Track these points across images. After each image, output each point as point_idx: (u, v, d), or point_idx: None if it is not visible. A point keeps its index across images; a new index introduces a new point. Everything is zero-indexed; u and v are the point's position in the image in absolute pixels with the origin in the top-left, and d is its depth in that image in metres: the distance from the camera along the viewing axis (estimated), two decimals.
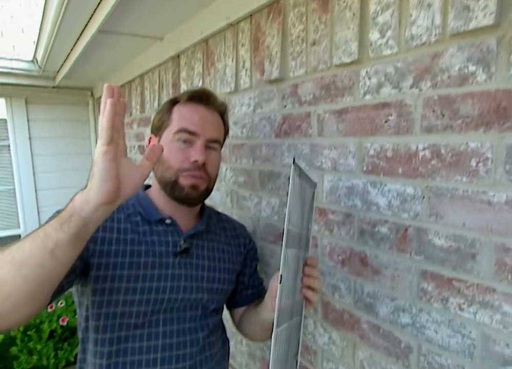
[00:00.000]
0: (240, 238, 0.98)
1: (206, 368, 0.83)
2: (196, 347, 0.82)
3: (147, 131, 1.94)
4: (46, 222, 0.56)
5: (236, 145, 1.19)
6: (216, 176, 0.87)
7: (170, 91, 1.62)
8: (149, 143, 0.89)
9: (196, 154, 0.78)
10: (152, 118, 1.81)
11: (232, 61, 1.16)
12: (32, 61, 2.30)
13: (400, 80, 0.67)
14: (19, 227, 2.83)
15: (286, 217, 0.59)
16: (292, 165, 0.58)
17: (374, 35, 0.71)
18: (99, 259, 0.74)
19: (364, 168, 0.77)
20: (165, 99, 1.67)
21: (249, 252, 0.99)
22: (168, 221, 0.82)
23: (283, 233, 0.59)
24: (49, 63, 2.07)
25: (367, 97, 0.74)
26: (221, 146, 0.89)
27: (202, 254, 0.86)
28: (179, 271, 0.80)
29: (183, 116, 0.81)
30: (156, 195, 0.85)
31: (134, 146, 2.17)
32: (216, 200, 1.33)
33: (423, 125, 0.64)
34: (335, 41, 0.79)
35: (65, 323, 2.62)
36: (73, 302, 2.81)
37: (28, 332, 2.51)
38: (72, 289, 0.80)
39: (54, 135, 2.89)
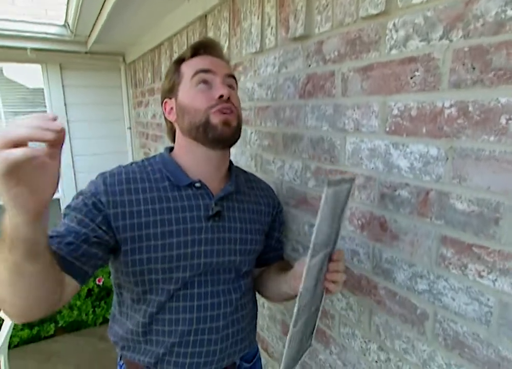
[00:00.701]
0: (269, 198, 0.99)
1: (238, 327, 0.88)
2: (230, 308, 0.86)
3: None
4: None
5: (261, 108, 1.19)
6: (241, 116, 0.88)
7: None
8: (165, 109, 0.89)
9: (219, 89, 0.80)
10: None
11: (258, 18, 1.13)
12: (64, 25, 2.37)
13: (429, 31, 0.64)
14: (58, 191, 3.04)
15: (314, 234, 0.60)
16: (326, 188, 0.57)
17: None
18: (130, 232, 0.76)
19: (387, 129, 0.75)
20: None
21: (277, 215, 1.01)
22: (197, 185, 0.83)
23: (309, 247, 0.61)
24: (80, 27, 2.13)
25: (394, 51, 0.71)
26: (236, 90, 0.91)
27: (233, 216, 0.88)
28: (212, 235, 0.82)
29: (192, 65, 0.84)
30: (183, 156, 0.86)
31: None
32: (241, 163, 1.35)
33: (451, 80, 0.61)
34: None
35: (101, 283, 2.85)
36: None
37: None
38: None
39: (88, 101, 3.01)
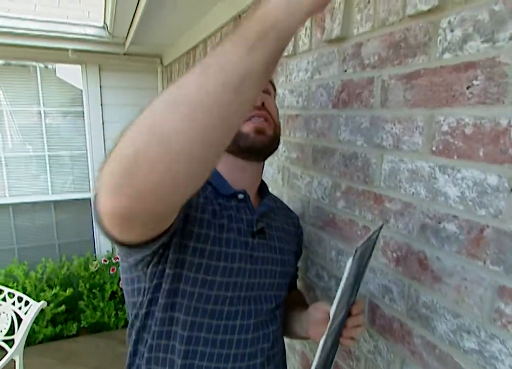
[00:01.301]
0: (294, 219, 0.93)
1: (273, 364, 0.79)
2: (268, 343, 0.76)
3: None
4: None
5: (291, 116, 1.10)
6: (279, 125, 0.80)
7: None
8: None
9: None
10: None
11: None
12: (103, 27, 2.41)
13: (496, 29, 0.52)
14: (89, 191, 3.10)
15: (334, 305, 0.53)
16: (351, 259, 0.50)
17: None
18: (186, 225, 0.66)
19: (433, 148, 0.63)
20: None
21: (300, 237, 0.94)
22: (240, 196, 0.75)
23: (328, 317, 0.54)
24: (117, 28, 2.15)
25: (446, 55, 0.60)
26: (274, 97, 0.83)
27: (272, 235, 0.80)
28: (257, 254, 0.75)
29: None
30: (220, 164, 0.77)
31: None
32: (268, 176, 1.27)
33: None
34: None
35: None
36: None
37: (93, 290, 2.79)
38: (132, 274, 0.70)
39: (123, 102, 3.06)
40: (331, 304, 0.60)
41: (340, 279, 0.54)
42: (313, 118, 0.98)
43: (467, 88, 0.56)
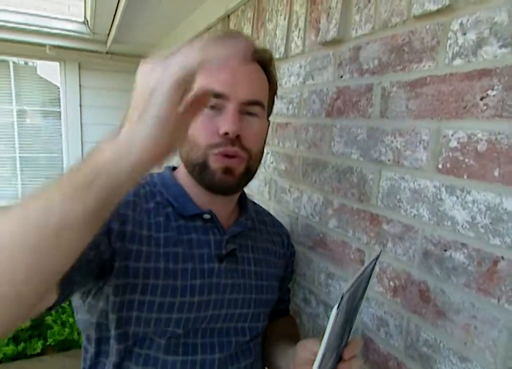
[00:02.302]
0: (283, 237, 0.84)
1: None
2: None
3: None
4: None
5: (280, 125, 1.04)
6: (261, 151, 0.71)
7: None
8: None
9: (226, 122, 0.61)
10: None
11: (284, 19, 0.99)
12: (84, 22, 2.33)
13: None
14: None
15: (318, 360, 0.46)
16: (335, 308, 0.43)
17: None
18: (126, 261, 0.60)
19: (440, 166, 0.57)
20: None
21: (291, 258, 0.86)
22: (206, 216, 0.68)
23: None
24: (98, 24, 2.08)
25: (457, 61, 0.54)
26: (269, 111, 0.72)
27: (248, 257, 0.72)
28: (225, 281, 0.67)
29: (209, 72, 0.61)
30: (187, 181, 0.70)
31: None
32: (253, 188, 1.20)
33: None
34: None
35: None
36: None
37: (62, 305, 2.65)
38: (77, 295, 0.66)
39: (104, 104, 2.97)
40: (320, 340, 0.54)
41: (329, 306, 0.47)
42: (304, 127, 0.92)
43: (481, 99, 0.51)
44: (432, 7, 0.57)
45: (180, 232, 0.66)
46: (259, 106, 0.66)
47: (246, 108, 0.64)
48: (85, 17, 2.28)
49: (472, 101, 0.52)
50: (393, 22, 0.65)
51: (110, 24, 2.05)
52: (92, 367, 0.66)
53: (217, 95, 0.62)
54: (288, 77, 1.00)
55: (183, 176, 0.71)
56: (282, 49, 1.00)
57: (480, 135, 0.51)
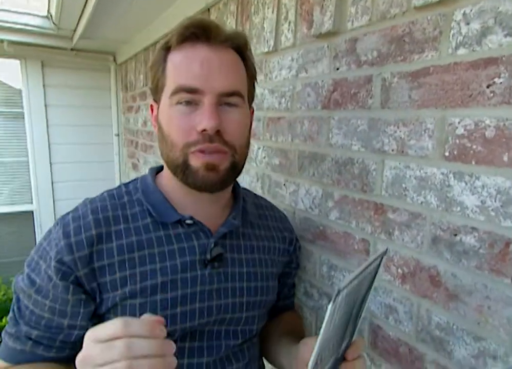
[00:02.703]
0: (286, 232, 0.82)
1: None
2: None
3: None
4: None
5: (271, 119, 1.04)
6: (247, 143, 0.68)
7: None
8: (151, 112, 0.71)
9: (203, 118, 0.58)
10: None
11: (273, 12, 0.99)
12: (47, 16, 2.23)
13: None
14: (32, 203, 2.86)
15: (313, 357, 0.46)
16: (331, 303, 0.43)
17: None
18: (104, 294, 0.62)
19: (447, 153, 0.60)
20: None
21: (295, 253, 0.85)
22: (189, 222, 0.66)
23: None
24: (64, 19, 2.00)
25: (461, 51, 0.57)
26: (250, 98, 0.69)
27: (239, 259, 0.70)
28: (210, 287, 0.66)
29: (177, 67, 0.61)
30: (170, 183, 0.68)
31: None
32: (245, 184, 1.20)
33: None
34: None
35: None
36: None
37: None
38: None
39: (72, 103, 2.87)
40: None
41: (331, 297, 0.47)
42: (299, 121, 0.93)
43: (488, 86, 0.53)
44: None
45: (160, 244, 0.64)
46: (238, 96, 0.63)
47: (224, 99, 0.61)
48: (48, 11, 2.18)
49: (478, 89, 0.55)
50: (392, 13, 0.67)
51: (78, 19, 1.97)
52: None
53: (191, 90, 0.59)
54: (279, 70, 1.00)
55: (166, 178, 0.70)
56: (271, 42, 1.00)
57: (487, 122, 0.54)
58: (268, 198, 1.07)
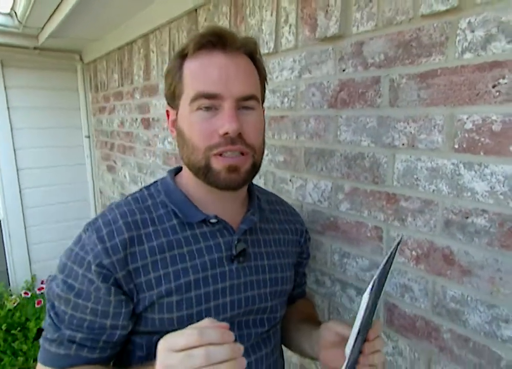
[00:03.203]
0: (297, 224, 0.89)
1: None
2: (261, 366, 0.74)
3: (153, 101, 1.84)
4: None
5: (274, 118, 1.10)
6: (263, 143, 0.72)
7: None
8: (168, 117, 0.75)
9: (225, 122, 0.62)
10: (160, 85, 1.71)
11: (271, 15, 1.05)
12: (9, 14, 2.15)
13: None
14: None
15: (351, 341, 0.52)
16: (367, 294, 0.49)
17: None
18: (141, 294, 0.66)
19: (456, 146, 0.68)
20: None
21: (306, 244, 0.91)
22: (213, 220, 0.70)
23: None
24: (32, 17, 1.94)
25: (467, 55, 0.65)
26: (262, 101, 0.74)
27: (260, 252, 0.76)
28: (238, 281, 0.71)
29: (195, 74, 0.65)
30: (191, 183, 0.73)
31: (136, 119, 2.07)
32: None
33: None
34: None
35: None
36: None
37: (12, 331, 2.46)
38: None
39: (37, 105, 2.77)
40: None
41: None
42: (304, 119, 1.00)
43: (493, 86, 0.62)
44: (441, 7, 0.67)
45: (188, 243, 0.69)
46: (254, 99, 0.67)
47: (242, 103, 0.65)
48: (12, 9, 2.10)
49: (485, 89, 0.63)
50: (398, 20, 0.75)
51: (48, 17, 1.92)
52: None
53: (211, 96, 0.63)
54: (279, 71, 1.06)
55: (186, 178, 0.74)
56: (271, 44, 1.06)
57: (494, 117, 0.63)
58: None
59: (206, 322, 0.52)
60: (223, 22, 1.26)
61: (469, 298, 0.69)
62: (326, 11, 0.88)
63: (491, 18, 0.62)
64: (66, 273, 0.66)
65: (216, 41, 0.65)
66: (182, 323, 0.66)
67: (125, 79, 2.14)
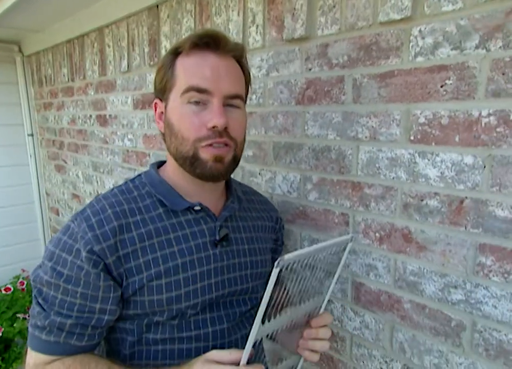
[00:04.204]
0: (271, 212, 0.99)
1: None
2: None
3: (110, 98, 1.85)
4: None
5: None
6: (244, 140, 0.82)
7: (146, 50, 1.55)
8: (155, 110, 0.82)
9: (213, 116, 0.71)
10: (118, 81, 1.73)
11: (238, 15, 1.14)
12: None
13: (463, 39, 0.72)
14: None
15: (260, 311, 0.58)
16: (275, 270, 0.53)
17: None
18: (130, 278, 0.72)
19: (412, 138, 0.81)
20: (138, 59, 1.60)
21: (280, 231, 1.01)
22: (197, 208, 0.79)
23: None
24: None
25: (419, 59, 0.78)
26: (245, 101, 0.82)
27: (240, 237, 0.86)
28: (221, 264, 0.80)
29: (188, 70, 0.74)
30: (176, 174, 0.81)
31: (91, 116, 2.06)
32: None
33: (489, 89, 0.69)
34: None
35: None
36: (7, 308, 2.66)
37: None
38: None
39: None
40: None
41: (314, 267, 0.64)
42: (273, 115, 1.09)
43: (441, 86, 0.76)
44: (396, 16, 0.79)
45: (175, 230, 0.77)
46: (240, 99, 0.77)
47: (228, 101, 0.74)
48: None
49: (434, 88, 0.77)
50: (359, 25, 0.87)
51: None
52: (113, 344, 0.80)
53: (202, 90, 0.72)
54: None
55: (170, 170, 0.82)
56: None
57: (442, 113, 0.76)
58: None
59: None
60: (187, 20, 1.33)
61: (425, 270, 0.83)
62: (293, 14, 0.98)
63: (438, 28, 0.75)
64: (55, 261, 0.71)
65: (211, 42, 0.74)
66: (171, 303, 0.74)
67: (76, 74, 2.12)
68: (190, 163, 0.75)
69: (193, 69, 0.74)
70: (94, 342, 0.74)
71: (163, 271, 0.73)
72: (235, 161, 0.79)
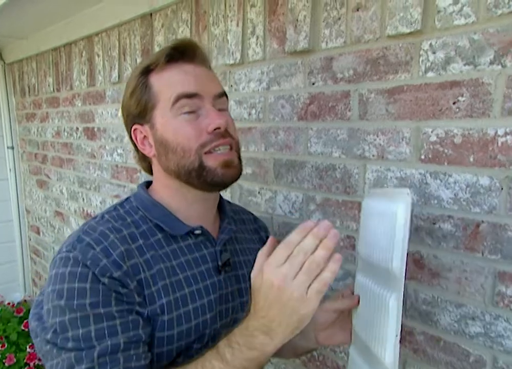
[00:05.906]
0: (261, 232, 0.98)
1: None
2: None
3: (99, 109, 1.86)
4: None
5: (241, 130, 1.19)
6: (240, 144, 0.82)
7: (138, 60, 1.56)
8: (135, 138, 0.79)
9: (212, 119, 0.72)
10: (107, 92, 1.74)
11: (237, 25, 1.15)
12: None
13: (477, 55, 0.72)
14: None
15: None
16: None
17: (443, 0, 0.75)
18: (149, 305, 0.70)
19: (422, 157, 0.81)
20: (130, 69, 1.61)
21: None
22: (197, 232, 0.78)
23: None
24: None
25: (430, 74, 0.79)
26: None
27: (239, 261, 0.85)
28: (226, 291, 0.79)
29: (171, 82, 0.74)
30: (171, 195, 0.79)
31: (77, 129, 2.06)
32: None
33: (505, 107, 0.70)
34: (389, 7, 0.82)
35: (12, 363, 2.38)
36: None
37: None
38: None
39: None
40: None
41: None
42: (273, 131, 1.10)
43: (454, 103, 0.76)
44: (405, 30, 0.80)
45: (177, 257, 0.76)
46: (226, 97, 0.79)
47: (218, 101, 0.76)
48: None
49: (446, 105, 0.77)
50: (366, 38, 0.88)
51: None
52: None
53: (192, 95, 0.72)
54: (247, 82, 1.16)
55: (164, 192, 0.80)
56: (237, 55, 1.16)
57: (455, 131, 0.76)
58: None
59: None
60: (183, 30, 1.34)
61: (439, 299, 0.82)
62: (295, 26, 1.00)
63: (450, 42, 0.76)
64: (68, 296, 0.65)
65: (187, 53, 0.75)
66: (181, 339, 0.71)
67: (62, 84, 2.12)
68: (198, 174, 0.74)
69: (175, 80, 0.74)
70: (149, 358, 0.69)
71: (173, 302, 0.71)
72: (241, 162, 0.80)
